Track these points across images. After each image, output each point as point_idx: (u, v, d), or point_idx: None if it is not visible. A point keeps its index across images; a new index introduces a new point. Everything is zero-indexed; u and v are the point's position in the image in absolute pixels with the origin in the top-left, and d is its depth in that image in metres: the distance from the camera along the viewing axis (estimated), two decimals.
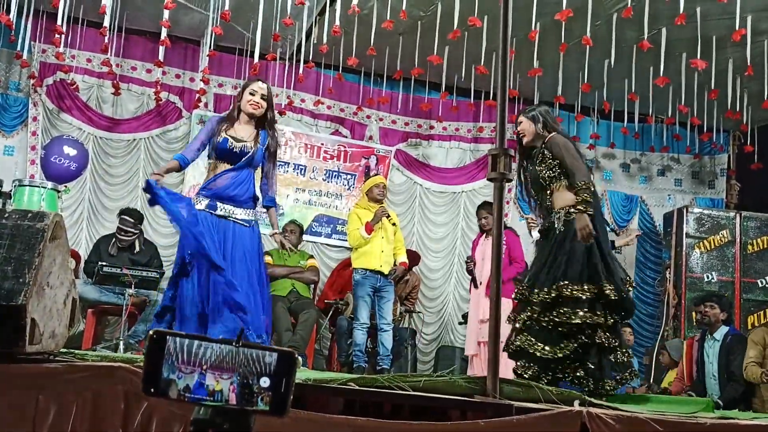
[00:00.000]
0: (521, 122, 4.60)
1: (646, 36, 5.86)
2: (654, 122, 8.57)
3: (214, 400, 1.13)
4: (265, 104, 4.47)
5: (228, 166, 4.37)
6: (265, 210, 4.63)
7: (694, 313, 6.89)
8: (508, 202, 8.48)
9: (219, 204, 4.29)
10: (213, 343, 1.13)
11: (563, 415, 2.98)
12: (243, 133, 4.44)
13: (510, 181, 3.70)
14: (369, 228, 6.41)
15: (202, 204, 4.30)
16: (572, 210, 4.22)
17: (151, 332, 1.14)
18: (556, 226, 4.30)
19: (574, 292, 4.07)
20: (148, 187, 4.14)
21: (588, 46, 5.98)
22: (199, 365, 1.13)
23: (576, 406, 3.11)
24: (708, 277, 7.83)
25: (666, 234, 8.31)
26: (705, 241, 7.92)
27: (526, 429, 2.90)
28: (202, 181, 4.65)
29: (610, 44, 6.30)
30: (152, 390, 1.13)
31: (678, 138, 8.72)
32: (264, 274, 4.42)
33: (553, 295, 4.12)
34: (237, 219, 4.32)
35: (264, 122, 4.51)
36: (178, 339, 1.12)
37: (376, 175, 7.73)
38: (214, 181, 4.35)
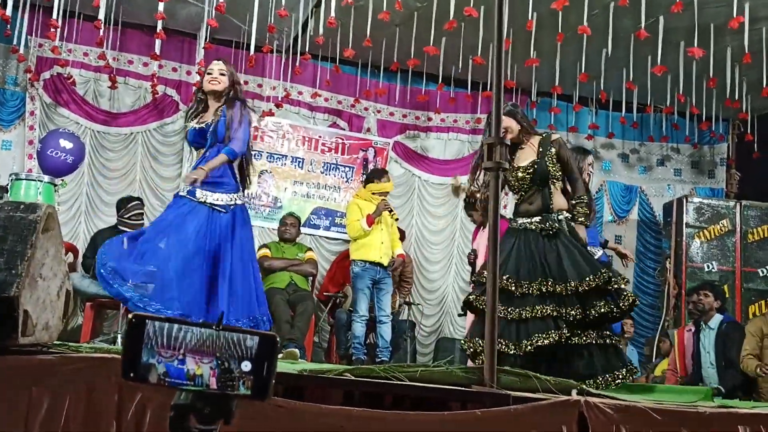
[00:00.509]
0: (507, 123, 4.50)
1: (643, 25, 5.83)
2: (653, 112, 8.54)
3: (195, 385, 1.11)
4: (224, 79, 4.44)
5: (201, 152, 4.43)
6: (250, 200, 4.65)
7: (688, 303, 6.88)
8: (507, 194, 8.44)
9: (198, 190, 4.28)
10: (193, 327, 1.11)
11: (561, 404, 2.97)
12: (207, 117, 4.45)
13: (506, 170, 3.69)
14: (370, 220, 6.40)
15: (183, 190, 4.35)
16: (566, 213, 4.36)
17: (130, 316, 1.12)
18: (562, 226, 4.33)
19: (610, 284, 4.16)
20: None
21: (585, 36, 5.95)
22: (179, 349, 1.11)
23: (574, 396, 3.10)
24: (708, 267, 7.81)
25: (666, 224, 8.28)
26: (705, 231, 7.89)
27: (524, 419, 2.89)
28: None
29: (607, 33, 6.27)
30: (132, 374, 1.11)
31: (677, 127, 8.68)
32: (245, 259, 4.38)
33: (586, 287, 4.13)
34: (214, 204, 4.29)
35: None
36: (157, 323, 1.11)
37: (375, 168, 7.69)
38: (193, 168, 4.45)
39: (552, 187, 4.41)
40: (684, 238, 7.89)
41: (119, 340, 5.31)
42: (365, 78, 8.06)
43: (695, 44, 6.09)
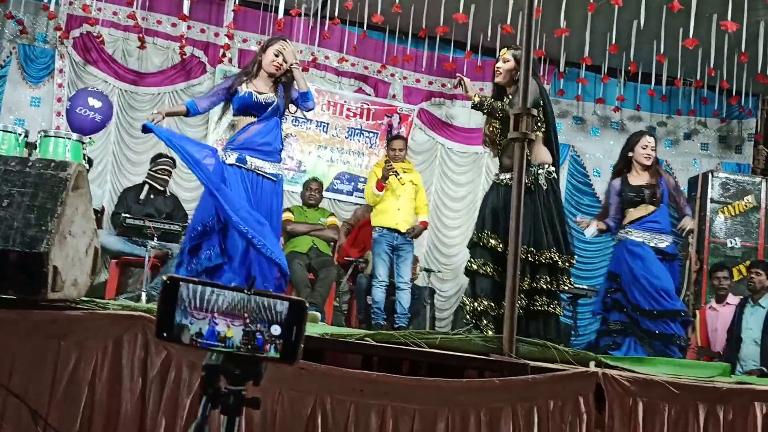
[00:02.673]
0: (507, 60, 4.45)
1: None
2: (682, 85, 8.42)
3: (226, 347, 1.15)
4: (285, 66, 4.49)
5: (252, 119, 4.42)
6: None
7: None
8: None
9: (248, 157, 4.34)
10: (225, 290, 1.15)
11: (579, 375, 3.00)
12: (263, 87, 4.48)
13: (532, 140, 3.69)
14: (380, 185, 6.42)
15: (231, 158, 4.34)
16: (551, 168, 4.23)
17: (164, 277, 1.16)
18: (540, 182, 4.25)
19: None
20: (147, 130, 4.26)
21: (617, 6, 5.88)
22: (211, 311, 1.14)
23: (592, 367, 3.13)
24: (731, 243, 7.75)
25: (690, 198, 8.21)
26: (729, 207, 7.82)
27: (542, 388, 2.93)
28: (225, 137, 4.69)
29: (639, 4, 6.17)
30: (165, 335, 1.15)
31: (706, 101, 8.58)
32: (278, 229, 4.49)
33: (555, 258, 4.12)
34: (265, 173, 4.37)
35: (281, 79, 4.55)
36: (191, 285, 1.14)
37: (398, 133, 7.70)
38: (241, 134, 4.42)
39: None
40: (708, 213, 7.83)
41: (143, 297, 5.40)
42: (392, 44, 8.02)
43: (728, 18, 5.99)
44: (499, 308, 4.09)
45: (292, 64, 4.46)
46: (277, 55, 4.46)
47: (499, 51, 4.64)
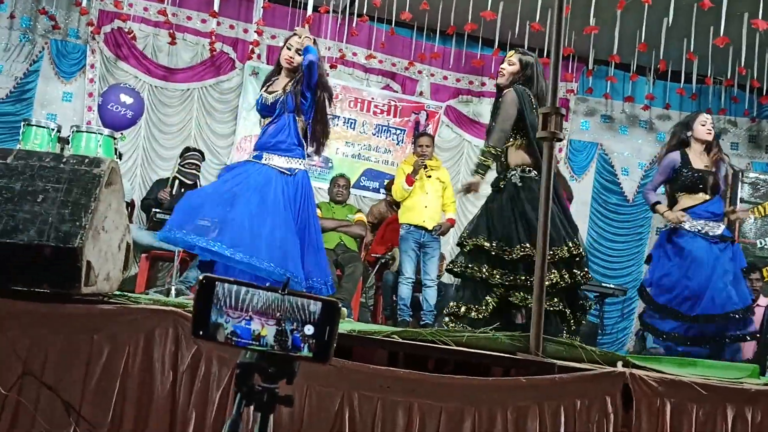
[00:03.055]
0: (513, 63, 4.40)
1: None
2: (712, 83, 8.33)
3: (260, 345, 1.17)
4: (298, 59, 4.48)
5: (267, 121, 4.51)
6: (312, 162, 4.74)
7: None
8: (558, 162, 8.41)
9: (265, 154, 4.41)
10: (260, 290, 1.17)
11: (606, 375, 2.99)
12: (279, 86, 4.51)
13: (561, 140, 3.68)
14: (409, 180, 6.44)
15: (251, 156, 4.51)
16: (528, 169, 4.18)
17: (201, 277, 1.18)
18: (513, 181, 4.22)
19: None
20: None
21: (647, 5, 5.83)
22: (246, 311, 1.16)
23: (619, 367, 3.11)
24: (761, 243, 7.67)
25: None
26: (759, 207, 7.73)
27: (569, 388, 2.92)
28: (253, 132, 4.73)
29: (669, 2, 6.11)
30: (201, 333, 1.17)
31: (736, 100, 8.49)
32: (310, 220, 4.46)
33: (528, 252, 4.07)
34: (279, 167, 4.39)
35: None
36: (226, 285, 1.16)
37: (425, 130, 7.71)
38: (260, 137, 4.52)
39: (507, 144, 4.27)
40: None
41: (173, 291, 5.47)
42: (420, 41, 8.03)
43: (759, 16, 5.92)
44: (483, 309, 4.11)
45: (300, 35, 4.48)
46: (288, 49, 4.50)
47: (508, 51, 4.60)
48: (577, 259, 4.16)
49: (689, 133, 5.28)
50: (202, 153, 6.97)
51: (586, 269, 4.25)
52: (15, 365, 2.58)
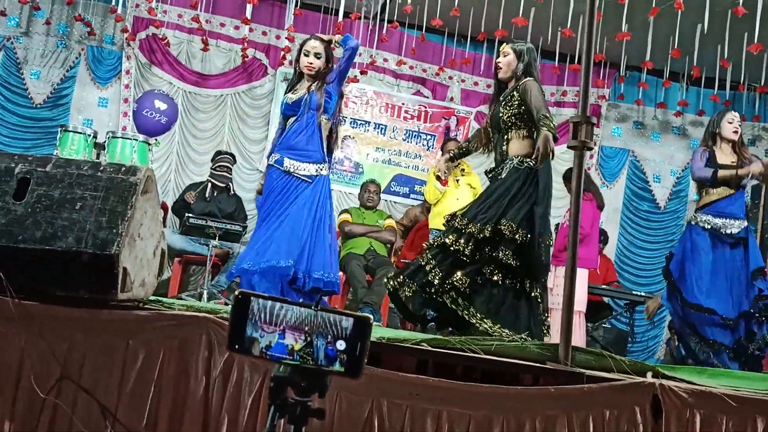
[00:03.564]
0: (506, 53, 4.34)
1: (741, 1, 5.63)
2: (746, 90, 8.25)
3: (293, 359, 1.21)
4: (318, 62, 4.56)
5: (293, 119, 4.58)
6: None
7: None
8: (589, 168, 8.38)
9: (285, 159, 4.49)
10: (293, 306, 1.20)
11: (635, 386, 2.98)
12: (301, 90, 4.60)
13: (591, 149, 3.68)
14: (444, 181, 6.45)
15: (272, 159, 4.57)
16: (526, 159, 4.11)
17: (236, 293, 1.22)
18: (508, 168, 4.15)
19: (514, 234, 3.98)
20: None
21: (680, 11, 5.80)
22: (279, 325, 1.20)
23: (648, 378, 3.10)
24: None
25: (753, 206, 8.03)
26: None
27: (597, 398, 2.92)
28: None
29: (702, 9, 6.07)
30: (237, 347, 1.21)
31: None
32: (324, 220, 4.53)
33: (487, 233, 4.01)
34: (300, 175, 4.47)
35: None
36: (261, 300, 1.20)
37: (455, 136, 7.72)
38: (281, 135, 4.62)
39: (509, 134, 4.21)
40: None
41: (205, 295, 5.55)
42: (451, 47, 8.04)
43: None
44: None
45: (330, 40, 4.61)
46: (306, 55, 4.56)
47: (499, 47, 4.54)
48: (499, 239, 4.04)
49: (716, 130, 5.31)
50: (233, 156, 7.05)
51: (508, 251, 4.06)
52: (54, 369, 2.64)
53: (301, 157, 4.48)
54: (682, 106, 8.39)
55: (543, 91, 4.22)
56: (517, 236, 3.98)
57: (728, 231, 5.16)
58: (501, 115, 4.22)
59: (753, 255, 5.21)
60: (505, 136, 4.23)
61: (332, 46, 4.65)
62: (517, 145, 4.19)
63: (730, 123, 5.26)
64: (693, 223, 5.28)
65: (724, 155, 5.25)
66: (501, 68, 4.35)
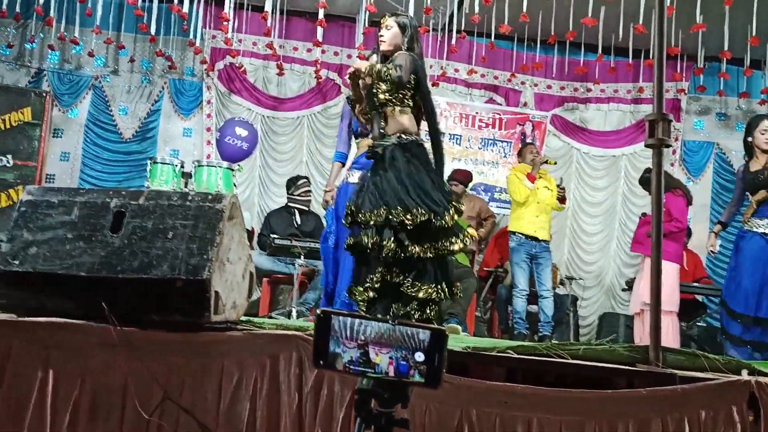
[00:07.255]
0: (390, 27, 4.10)
1: None
2: None
3: (375, 372, 1.26)
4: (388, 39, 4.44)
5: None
6: None
7: None
8: (672, 164, 8.20)
9: (354, 172, 4.62)
10: (372, 321, 1.26)
11: (730, 384, 2.92)
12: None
13: (669, 146, 3.63)
14: (531, 177, 6.40)
15: (354, 177, 4.59)
16: (404, 135, 3.93)
17: (318, 311, 1.29)
18: (388, 148, 3.94)
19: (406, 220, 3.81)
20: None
21: None
22: (360, 340, 1.26)
23: (744, 376, 3.03)
24: None
25: None
26: None
27: (692, 399, 2.87)
28: None
29: None
30: (321, 363, 1.28)
31: None
32: None
33: (381, 219, 3.84)
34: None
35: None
36: (341, 317, 1.27)
37: (531, 141, 7.69)
38: (362, 156, 4.58)
39: (384, 112, 3.99)
40: None
41: (293, 313, 5.68)
42: (521, 52, 8.03)
43: None
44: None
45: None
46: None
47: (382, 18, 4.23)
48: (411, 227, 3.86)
49: (749, 139, 5.25)
50: (307, 178, 7.18)
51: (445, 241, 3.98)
52: (155, 391, 2.78)
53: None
54: (765, 93, 8.12)
55: (416, 63, 3.99)
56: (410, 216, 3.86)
57: None
58: (375, 92, 3.99)
59: None
60: (381, 115, 4.03)
61: None
62: (398, 120, 3.99)
63: (763, 134, 5.18)
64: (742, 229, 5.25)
65: (757, 161, 5.21)
66: (384, 41, 4.12)
